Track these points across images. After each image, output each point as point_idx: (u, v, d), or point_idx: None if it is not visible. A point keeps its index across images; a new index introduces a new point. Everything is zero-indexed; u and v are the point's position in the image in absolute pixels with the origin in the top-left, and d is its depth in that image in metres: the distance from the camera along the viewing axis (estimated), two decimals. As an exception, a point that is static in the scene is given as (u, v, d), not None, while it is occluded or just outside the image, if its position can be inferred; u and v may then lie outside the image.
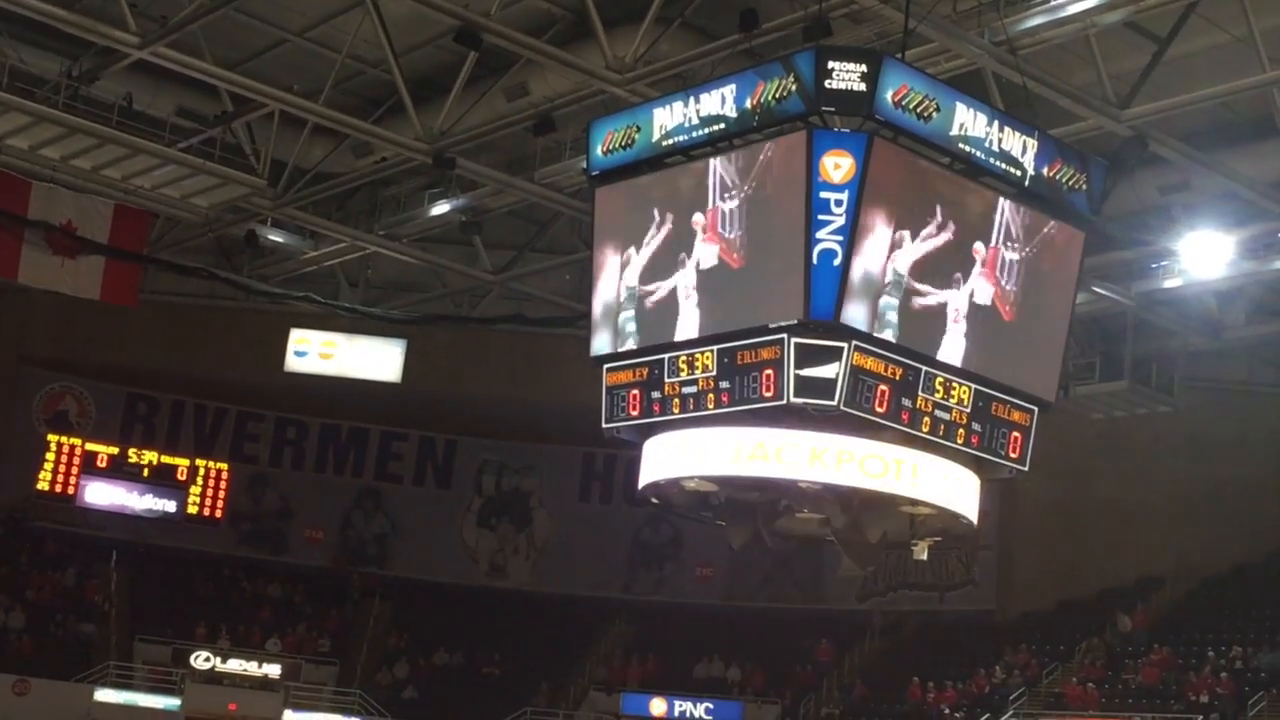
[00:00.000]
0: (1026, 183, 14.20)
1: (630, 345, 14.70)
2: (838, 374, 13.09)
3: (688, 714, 36.31)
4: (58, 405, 40.07)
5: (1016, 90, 18.84)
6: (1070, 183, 14.55)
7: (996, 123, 14.00)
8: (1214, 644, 31.47)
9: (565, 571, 41.87)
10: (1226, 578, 33.71)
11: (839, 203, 13.08)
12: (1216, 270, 25.75)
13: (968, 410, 14.00)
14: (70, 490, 38.90)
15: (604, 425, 14.92)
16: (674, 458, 14.43)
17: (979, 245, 14.09)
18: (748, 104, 13.63)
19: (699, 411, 13.91)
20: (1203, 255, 25.40)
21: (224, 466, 40.71)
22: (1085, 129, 21.74)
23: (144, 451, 39.80)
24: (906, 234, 13.50)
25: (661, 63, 21.78)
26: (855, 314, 13.16)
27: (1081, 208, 14.78)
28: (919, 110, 13.30)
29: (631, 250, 14.79)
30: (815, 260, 13.05)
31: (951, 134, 13.61)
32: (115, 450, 39.41)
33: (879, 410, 13.33)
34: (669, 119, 14.32)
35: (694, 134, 14.12)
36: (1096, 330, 28.98)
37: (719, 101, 13.90)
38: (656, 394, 14.27)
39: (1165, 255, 26.25)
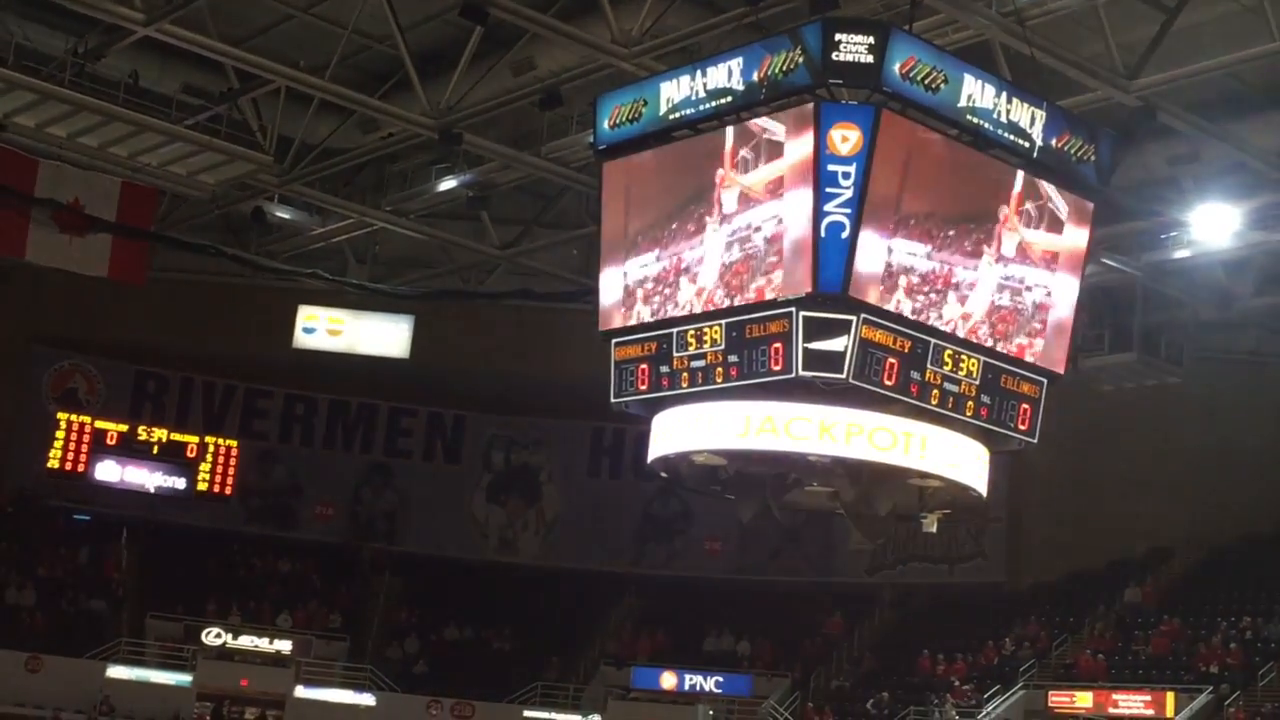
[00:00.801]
0: (1035, 154, 14.16)
1: (639, 319, 14.69)
2: (846, 347, 13.07)
3: (698, 687, 36.42)
4: (67, 383, 40.14)
5: (1024, 61, 18.76)
6: (1079, 154, 14.51)
7: (1004, 94, 13.95)
8: (1223, 614, 31.52)
9: (575, 546, 41.94)
10: (1236, 548, 33.73)
11: (847, 175, 13.05)
12: (1225, 241, 25.70)
13: (976, 382, 13.99)
14: (80, 468, 39.03)
15: (613, 400, 14.92)
16: (683, 432, 14.43)
17: (992, 217, 14.05)
18: (755, 77, 13.60)
19: (708, 385, 13.90)
20: (1212, 226, 25.34)
21: (233, 443, 40.81)
22: (1094, 100, 21.64)
23: (153, 429, 39.93)
24: (916, 205, 13.47)
25: (668, 36, 21.70)
26: (864, 286, 13.14)
27: (1090, 179, 14.74)
28: (927, 82, 13.26)
29: (639, 223, 14.77)
30: (824, 233, 13.03)
31: (959, 105, 13.57)
32: (125, 428, 39.53)
33: (888, 383, 13.32)
34: (676, 93, 14.29)
35: (701, 107, 14.10)
36: (1106, 301, 28.91)
37: (726, 75, 13.87)
38: (665, 368, 14.27)
39: (1174, 226, 26.19)
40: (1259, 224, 25.29)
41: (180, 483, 39.91)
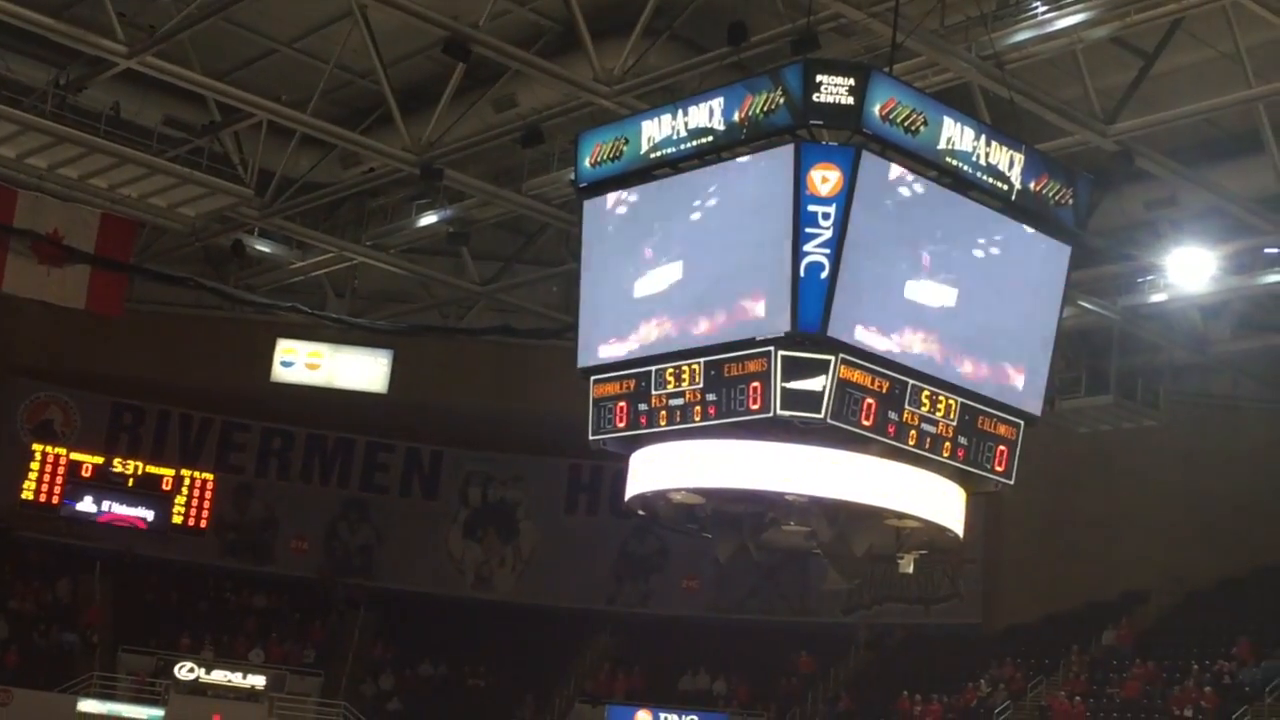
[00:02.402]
0: (1013, 197, 14.22)
1: (617, 357, 14.70)
2: (824, 387, 13.08)
3: (673, 726, 36.28)
4: (42, 415, 39.97)
5: (1003, 105, 18.90)
6: (1057, 197, 14.56)
7: (984, 137, 14.02)
8: (1198, 658, 31.53)
9: (551, 583, 41.83)
10: (1211, 591, 33.77)
11: (826, 215, 13.09)
12: (1202, 285, 25.85)
13: (954, 424, 13.99)
14: (55, 500, 38.84)
15: (591, 437, 14.90)
16: (661, 470, 14.42)
17: (967, 256, 14.11)
18: (736, 117, 13.64)
19: (686, 424, 13.89)
20: (1188, 270, 25.49)
21: (209, 476, 40.66)
22: (1071, 144, 21.82)
23: (129, 461, 39.75)
24: (895, 245, 13.53)
25: (650, 75, 21.83)
26: (842, 327, 13.17)
27: (1068, 222, 14.79)
28: (907, 124, 13.32)
29: (618, 261, 14.80)
30: (803, 273, 13.06)
31: (939, 148, 13.62)
32: (100, 460, 39.36)
33: (865, 423, 13.32)
34: (657, 131, 14.32)
35: (682, 146, 14.12)
36: (1082, 344, 29.04)
37: (707, 114, 13.90)
38: (643, 406, 14.25)
39: (1151, 270, 26.35)
40: (1235, 268, 25.47)
41: (155, 516, 39.72)
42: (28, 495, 38.66)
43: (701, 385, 13.73)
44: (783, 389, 13.10)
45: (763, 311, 13.40)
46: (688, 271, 14.19)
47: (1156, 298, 27.02)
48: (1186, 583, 34.16)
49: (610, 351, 14.81)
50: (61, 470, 38.95)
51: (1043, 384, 14.96)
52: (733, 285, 13.73)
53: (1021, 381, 14.70)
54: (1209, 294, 26.39)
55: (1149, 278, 26.68)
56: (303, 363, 37.57)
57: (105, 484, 39.32)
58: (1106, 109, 21.40)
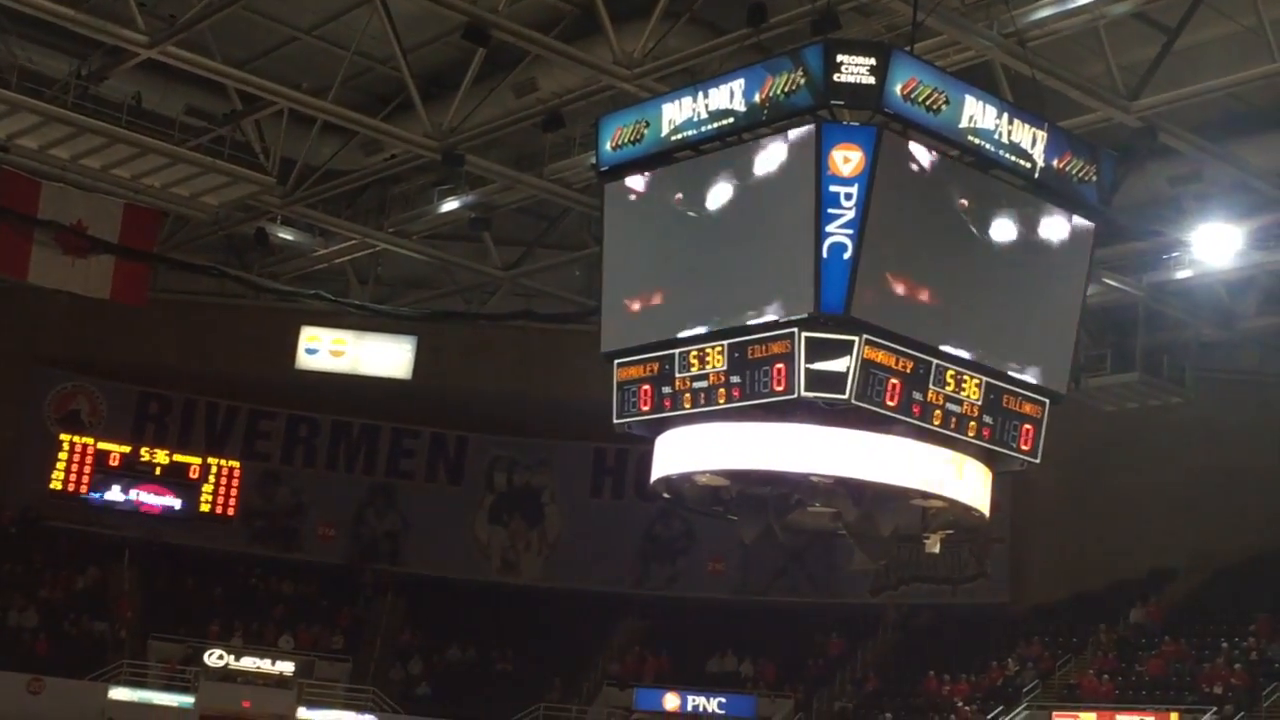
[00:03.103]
0: (1036, 175, 14.16)
1: (641, 340, 14.70)
2: (848, 367, 13.06)
3: (701, 709, 36.33)
4: (70, 405, 40.16)
5: (1026, 82, 18.81)
6: (1080, 174, 14.51)
7: (1006, 115, 13.96)
8: (1227, 635, 31.45)
9: (577, 567, 41.90)
10: (1240, 568, 33.66)
11: (849, 196, 13.06)
12: (1227, 261, 25.73)
13: (979, 403, 13.97)
14: (83, 489, 39.04)
15: (615, 421, 14.91)
16: (685, 452, 14.43)
17: (990, 234, 14.07)
18: (756, 98, 13.61)
19: (710, 406, 13.88)
20: (1213, 246, 25.38)
21: (236, 464, 40.83)
22: (1095, 120, 21.70)
23: (156, 450, 39.93)
24: (918, 226, 13.50)
25: (670, 58, 21.78)
26: (866, 307, 13.15)
27: (1091, 199, 14.73)
28: (928, 103, 13.28)
29: (641, 244, 14.80)
30: (825, 254, 13.03)
31: (961, 126, 13.58)
32: (127, 449, 39.55)
33: (890, 404, 13.30)
34: (678, 114, 14.31)
35: (703, 129, 14.11)
36: (1108, 322, 28.93)
37: (728, 96, 13.88)
38: (667, 389, 14.25)
39: (1176, 246, 26.23)
40: (1261, 244, 25.35)
41: (183, 504, 39.91)
42: (56, 485, 38.88)
43: (725, 367, 13.73)
44: (807, 370, 13.09)
45: (786, 292, 13.39)
46: (710, 254, 14.19)
47: (1182, 274, 26.91)
48: (1214, 560, 34.04)
49: (633, 334, 14.82)
50: (89, 460, 39.15)
51: (1068, 362, 14.93)
52: (755, 266, 13.73)
53: (1047, 359, 14.67)
54: (1235, 269, 26.28)
55: (1174, 254, 26.57)
56: (327, 350, 37.69)
57: (132, 473, 39.51)
58: (1130, 85, 21.28)
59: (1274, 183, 23.45)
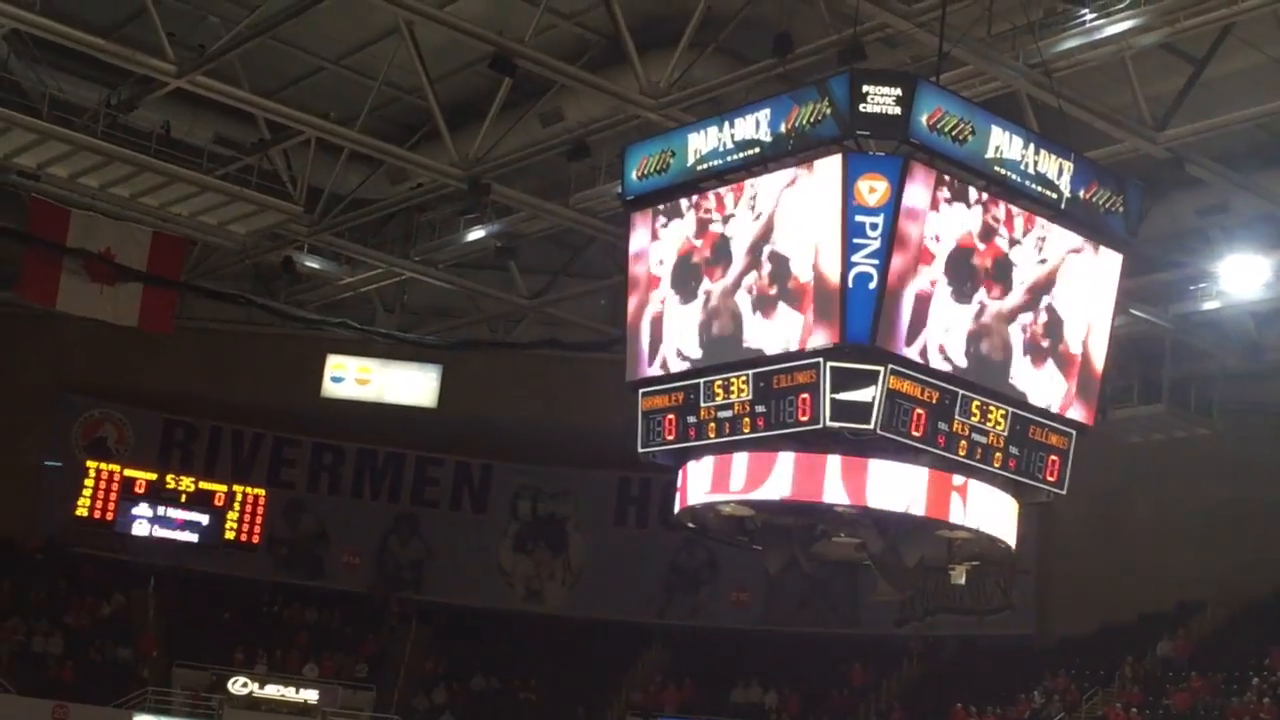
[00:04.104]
0: (1063, 205, 14.17)
1: (666, 370, 14.70)
2: (874, 397, 13.06)
3: (724, 739, 36.19)
4: (96, 432, 40.29)
5: (1052, 113, 18.79)
6: (1107, 205, 14.51)
7: (1032, 145, 13.98)
8: (1256, 669, 31.21)
9: (601, 596, 41.80)
10: (1268, 601, 33.41)
11: (874, 226, 13.08)
12: (1255, 291, 25.60)
13: (1005, 434, 13.95)
14: (109, 516, 39.15)
15: (640, 450, 14.92)
16: (710, 482, 14.40)
17: (1016, 265, 14.05)
18: (782, 128, 13.65)
19: (735, 436, 13.89)
20: (1241, 277, 25.26)
21: (261, 492, 40.85)
22: (1121, 151, 21.66)
23: (181, 477, 40.01)
24: (942, 255, 13.49)
25: (696, 88, 21.83)
26: (891, 337, 13.13)
27: (1118, 230, 14.73)
28: (954, 133, 13.29)
29: (666, 274, 14.82)
30: (851, 284, 13.05)
31: (987, 157, 13.59)
32: (153, 476, 39.63)
33: (915, 434, 13.29)
34: (704, 143, 14.35)
35: (729, 158, 14.15)
36: (1134, 353, 28.81)
37: (754, 126, 13.92)
38: (692, 418, 14.26)
39: (1203, 277, 26.12)
40: (1288, 275, 25.20)
41: (208, 531, 39.99)
42: (82, 512, 38.94)
43: (750, 397, 13.74)
44: (832, 400, 13.09)
45: (811, 323, 13.39)
46: (735, 283, 14.19)
47: (1209, 305, 26.79)
48: (1243, 593, 33.81)
49: (659, 364, 14.83)
50: (115, 487, 39.21)
51: (1095, 393, 14.88)
52: (781, 296, 13.73)
53: (1074, 391, 14.63)
54: (1262, 301, 26.13)
55: (1201, 285, 26.45)
56: (353, 378, 37.75)
57: (158, 500, 39.58)
58: (1157, 115, 21.25)
59: (1301, 214, 23.36)
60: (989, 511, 14.20)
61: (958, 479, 13.81)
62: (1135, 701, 31.86)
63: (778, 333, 13.62)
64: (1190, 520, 34.21)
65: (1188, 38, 19.99)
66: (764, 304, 13.80)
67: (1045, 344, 14.35)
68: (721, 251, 14.27)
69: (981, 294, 13.84)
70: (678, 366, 14.51)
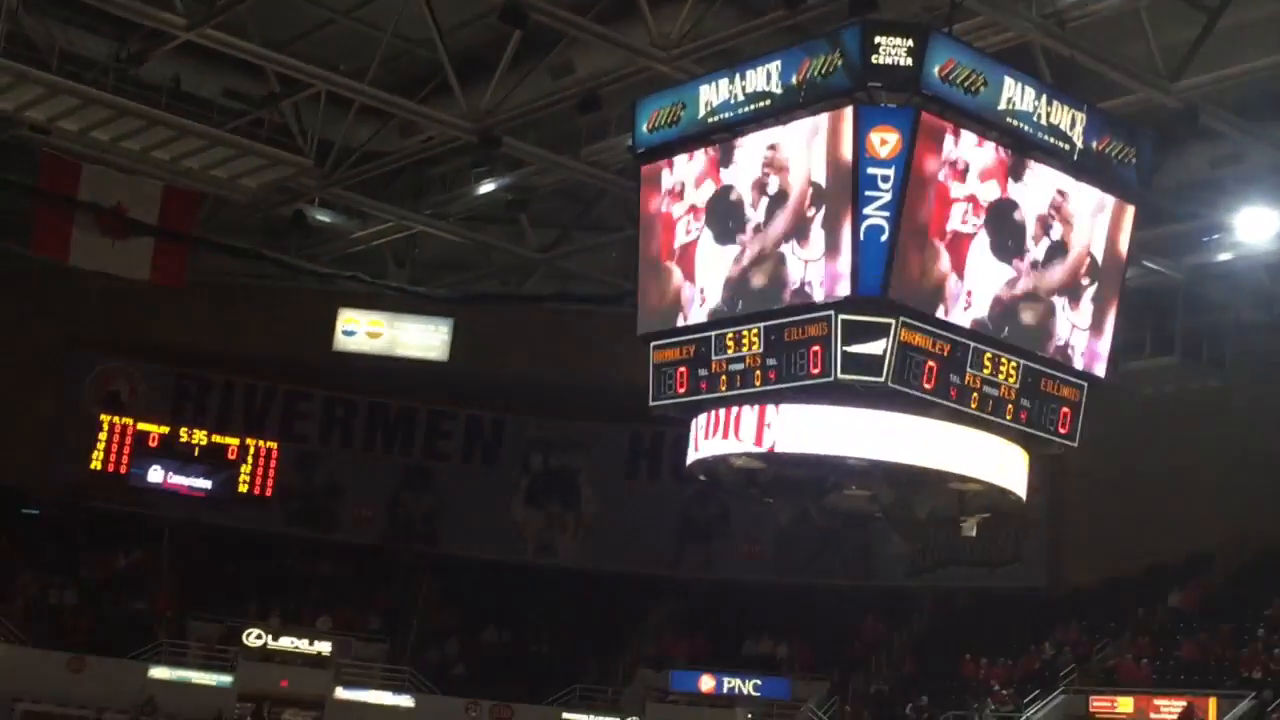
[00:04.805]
0: (1075, 156, 14.12)
1: (678, 322, 14.71)
2: (885, 350, 13.06)
3: (736, 690, 36.36)
4: (109, 386, 40.42)
5: (1065, 64, 18.70)
6: (1120, 156, 14.47)
7: (1045, 96, 13.92)
8: (1266, 620, 31.26)
9: (613, 549, 41.92)
10: (1278, 553, 33.43)
11: (885, 179, 13.05)
12: (1268, 243, 25.51)
13: (1016, 386, 13.95)
14: (123, 470, 39.32)
15: (651, 403, 14.94)
16: (723, 434, 14.42)
17: (1028, 217, 14.02)
18: (794, 80, 13.60)
19: (746, 389, 13.91)
20: (1254, 228, 25.18)
21: (274, 445, 41.03)
22: (1135, 102, 21.54)
23: (194, 431, 40.18)
24: (957, 209, 13.46)
25: (706, 39, 21.71)
26: (903, 289, 13.12)
27: (1131, 181, 14.69)
28: (966, 84, 13.24)
29: (677, 226, 14.80)
30: (863, 236, 13.03)
31: (999, 108, 13.54)
32: (166, 430, 39.80)
33: (927, 387, 13.30)
34: (714, 96, 14.31)
35: (739, 110, 14.11)
36: (1146, 305, 28.73)
37: (765, 78, 13.88)
38: (703, 371, 14.28)
39: (1216, 229, 26.03)
40: (1303, 226, 25.11)
41: (221, 484, 40.16)
42: (96, 465, 39.19)
43: (761, 350, 13.75)
44: (843, 353, 13.10)
45: (823, 275, 13.37)
46: (748, 237, 14.17)
47: (1222, 257, 26.70)
48: (1253, 544, 33.83)
49: (671, 316, 14.83)
50: (129, 440, 39.44)
51: (1108, 345, 14.87)
52: (793, 249, 13.71)
53: (1086, 342, 14.62)
54: (1276, 252, 26.04)
55: (1215, 236, 26.36)
56: (364, 332, 37.78)
57: (171, 454, 39.78)
58: (1170, 66, 21.10)
59: (1316, 164, 23.24)
60: (1000, 463, 14.21)
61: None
62: (1146, 653, 31.97)
63: (796, 283, 13.58)
64: (1201, 472, 34.18)
65: (1202, -13, 19.86)
66: (784, 256, 13.75)
67: (1060, 297, 14.32)
68: (737, 205, 14.24)
69: (998, 246, 13.80)
70: (698, 318, 14.48)
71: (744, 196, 14.13)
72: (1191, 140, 23.29)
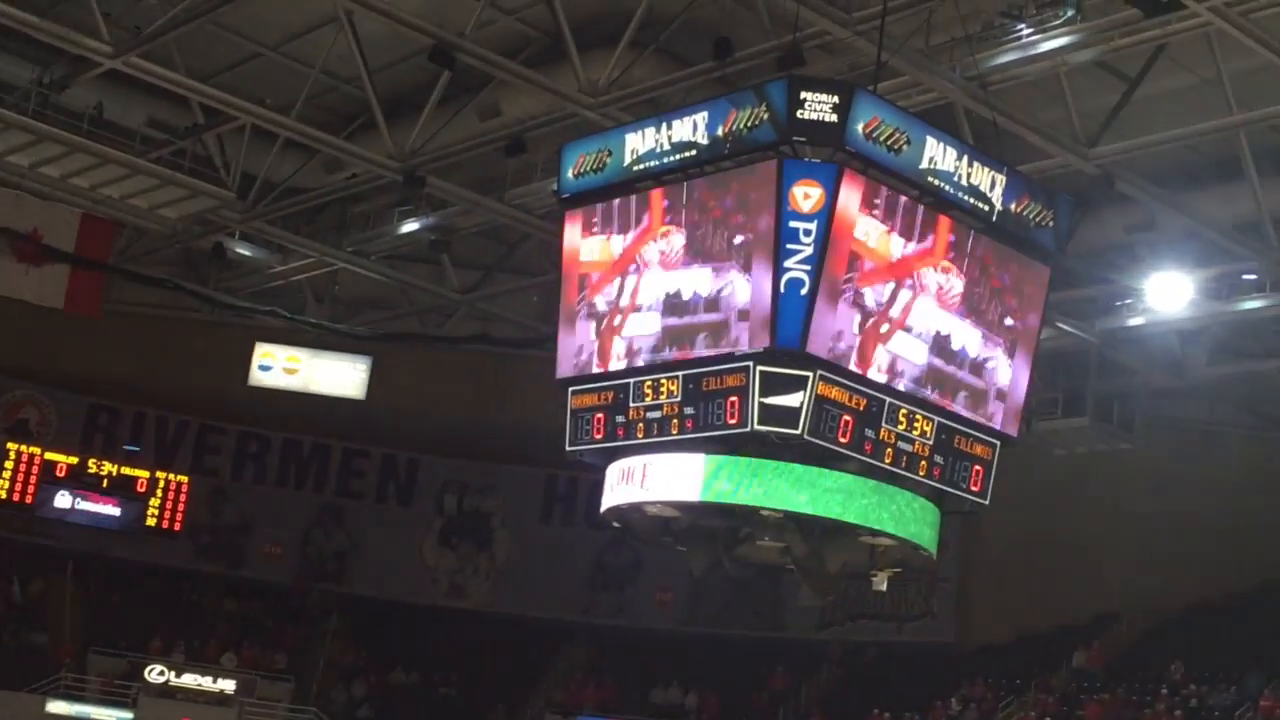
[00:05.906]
0: (994, 217, 14.29)
1: (596, 369, 14.71)
2: (802, 403, 13.12)
3: (643, 739, 36.24)
4: (18, 414, 39.75)
5: (986, 125, 18.97)
6: (1037, 218, 14.66)
7: (966, 157, 14.10)
8: (1169, 682, 31.58)
9: (525, 593, 41.73)
10: (1184, 616, 33.83)
11: (808, 232, 13.14)
12: (1179, 310, 25.90)
13: (930, 443, 14.06)
14: (28, 499, 38.68)
15: (568, 448, 14.93)
16: (636, 482, 14.42)
17: (942, 275, 14.16)
18: (720, 131, 13.70)
19: (663, 437, 13.92)
20: (1166, 294, 25.54)
21: (184, 479, 40.51)
22: (1053, 166, 21.89)
23: (104, 462, 39.59)
24: (872, 262, 13.58)
25: (635, 87, 21.83)
26: (820, 343, 13.20)
27: (1047, 244, 14.88)
28: (889, 142, 13.39)
29: (598, 273, 14.82)
30: (783, 289, 13.10)
31: (921, 167, 13.69)
32: (75, 460, 39.20)
33: (842, 440, 13.37)
34: (641, 144, 14.38)
35: (665, 159, 14.18)
36: (1060, 366, 29.09)
37: (691, 128, 13.96)
38: (621, 418, 14.28)
39: (1129, 293, 26.40)
40: (1213, 294, 25.52)
41: (129, 517, 39.59)
42: (1, 494, 38.48)
43: (680, 399, 13.77)
44: (760, 404, 13.14)
45: (742, 327, 13.44)
46: (668, 286, 14.22)
47: (1134, 321, 27.07)
48: (1159, 607, 34.22)
49: (589, 363, 14.83)
50: (35, 469, 38.79)
51: (1020, 404, 15.03)
52: (712, 300, 13.77)
53: (999, 401, 14.76)
54: (1187, 319, 26.43)
55: (1127, 301, 26.74)
56: (281, 367, 37.48)
57: (79, 484, 39.17)
58: (1088, 132, 21.47)
59: (1226, 234, 23.65)
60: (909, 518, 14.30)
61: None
62: (1050, 711, 32.17)
63: (714, 334, 13.65)
64: (1110, 533, 34.57)
65: (1121, 56, 20.23)
66: (700, 306, 13.83)
67: (975, 355, 14.47)
68: (658, 253, 14.29)
69: (910, 302, 13.93)
70: (617, 365, 14.50)
71: (665, 245, 14.19)
72: (1107, 205, 23.68)
